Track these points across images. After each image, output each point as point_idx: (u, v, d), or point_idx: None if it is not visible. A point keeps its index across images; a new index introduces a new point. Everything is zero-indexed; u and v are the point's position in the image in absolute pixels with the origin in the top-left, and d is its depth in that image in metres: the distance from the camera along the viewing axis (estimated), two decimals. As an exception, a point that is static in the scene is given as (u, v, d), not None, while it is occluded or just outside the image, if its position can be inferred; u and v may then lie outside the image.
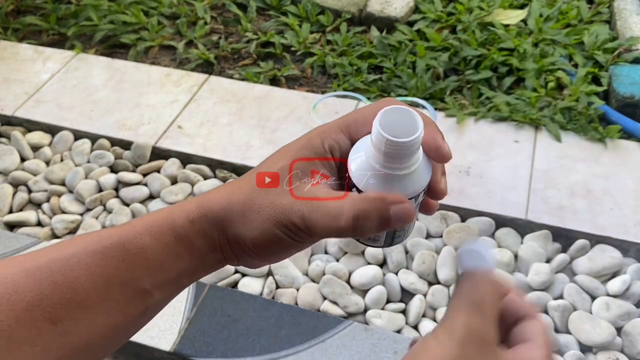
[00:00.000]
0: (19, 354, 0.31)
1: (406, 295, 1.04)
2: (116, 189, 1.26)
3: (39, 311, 0.32)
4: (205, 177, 1.25)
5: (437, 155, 0.35)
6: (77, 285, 0.33)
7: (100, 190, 1.24)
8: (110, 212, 1.20)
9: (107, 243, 0.34)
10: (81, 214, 1.22)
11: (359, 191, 0.35)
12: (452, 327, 0.33)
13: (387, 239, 0.38)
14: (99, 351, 0.35)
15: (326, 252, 1.11)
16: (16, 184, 1.28)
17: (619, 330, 0.96)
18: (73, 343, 0.33)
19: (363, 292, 1.04)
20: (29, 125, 1.41)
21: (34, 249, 1.09)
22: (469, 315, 0.34)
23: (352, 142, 0.36)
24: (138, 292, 0.35)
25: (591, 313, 0.99)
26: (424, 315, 1.01)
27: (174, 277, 0.36)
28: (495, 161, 1.22)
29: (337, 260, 1.09)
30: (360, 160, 0.34)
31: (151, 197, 1.24)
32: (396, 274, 1.05)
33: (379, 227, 0.34)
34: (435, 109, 1.30)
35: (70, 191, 1.25)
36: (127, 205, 1.21)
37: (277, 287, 1.06)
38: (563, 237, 1.09)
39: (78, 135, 1.37)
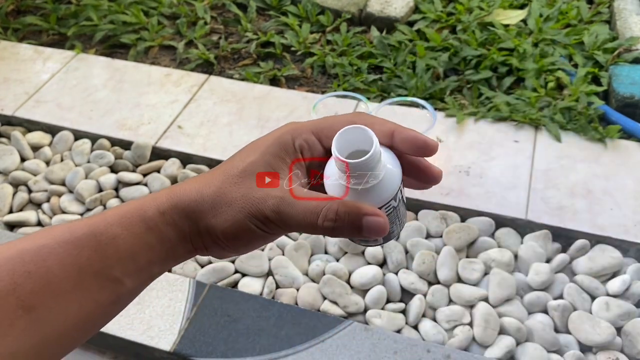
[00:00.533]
0: None
1: (406, 295, 1.04)
2: (116, 189, 1.26)
3: (13, 299, 0.32)
4: (205, 177, 1.25)
5: (427, 149, 0.37)
6: (50, 274, 0.34)
7: (101, 190, 1.24)
8: (110, 212, 1.20)
9: (79, 233, 0.35)
10: (81, 214, 1.22)
11: None
12: None
13: (384, 238, 0.39)
14: (71, 341, 0.36)
15: (326, 252, 1.11)
16: (16, 184, 1.28)
17: (618, 330, 0.96)
18: (46, 331, 0.33)
19: (363, 292, 1.04)
20: (29, 125, 1.41)
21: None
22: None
23: (322, 146, 0.38)
24: (110, 281, 0.35)
25: (591, 313, 0.99)
26: (424, 315, 1.01)
27: (145, 266, 0.37)
28: (495, 161, 1.22)
29: (337, 260, 1.09)
30: (333, 179, 0.36)
31: (151, 197, 1.24)
32: (396, 274, 1.05)
33: (350, 234, 0.35)
34: (435, 109, 1.30)
35: (71, 191, 1.25)
36: (127, 205, 1.21)
37: (277, 287, 1.06)
38: (563, 237, 1.09)
39: (78, 135, 1.37)
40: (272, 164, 0.37)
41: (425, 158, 0.39)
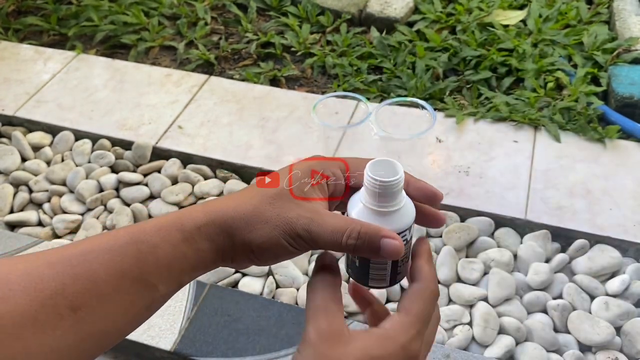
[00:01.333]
0: (42, 336, 0.36)
1: (406, 294, 1.04)
2: (117, 189, 1.26)
3: (61, 299, 0.36)
4: (206, 177, 1.26)
5: (435, 198, 0.45)
6: (95, 277, 0.38)
7: (101, 190, 1.25)
8: (111, 212, 1.20)
9: (121, 242, 0.39)
10: (82, 214, 1.22)
11: None
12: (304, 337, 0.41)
13: (391, 279, 0.45)
14: (109, 341, 0.40)
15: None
16: (17, 184, 1.28)
17: (618, 329, 0.96)
18: (89, 329, 0.37)
19: None
20: (30, 126, 1.42)
21: (35, 248, 1.10)
22: (311, 322, 0.41)
23: (345, 183, 0.46)
24: (147, 287, 0.40)
25: (590, 313, 0.99)
26: (423, 315, 1.01)
27: (177, 275, 0.41)
28: (495, 161, 1.22)
29: (337, 260, 1.09)
30: (358, 207, 0.43)
31: (152, 197, 1.24)
32: (396, 273, 1.06)
33: (369, 254, 0.42)
34: (435, 109, 1.31)
35: (71, 191, 1.26)
36: (128, 205, 1.21)
37: (277, 286, 1.06)
38: (562, 237, 1.09)
39: (79, 135, 1.37)
40: (303, 188, 0.43)
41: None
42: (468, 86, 1.43)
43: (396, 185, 0.41)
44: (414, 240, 0.46)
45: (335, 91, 1.42)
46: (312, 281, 0.44)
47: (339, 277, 0.44)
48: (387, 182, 0.41)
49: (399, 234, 0.42)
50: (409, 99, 1.12)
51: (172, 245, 0.40)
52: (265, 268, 1.07)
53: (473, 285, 1.04)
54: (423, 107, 1.08)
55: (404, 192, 0.43)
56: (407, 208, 0.43)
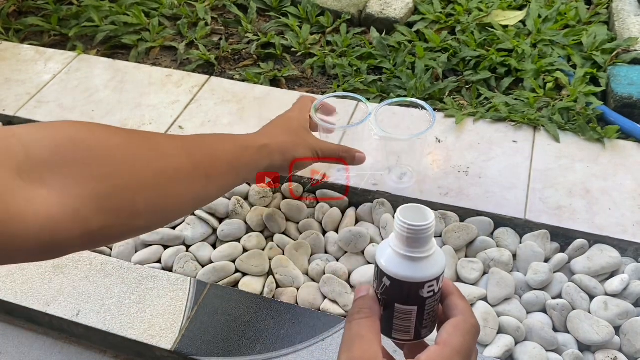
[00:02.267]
0: (192, 186, 0.61)
1: (406, 294, 1.05)
2: (117, 189, 1.26)
3: (202, 169, 0.63)
4: (206, 177, 1.26)
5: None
6: (216, 158, 0.66)
7: (102, 190, 1.25)
8: (111, 212, 1.21)
9: (232, 153, 0.73)
10: (82, 214, 1.22)
11: (389, 279, 0.44)
12: None
13: (416, 332, 0.45)
14: (218, 195, 0.71)
15: (326, 252, 1.12)
16: (18, 184, 1.29)
17: (617, 329, 0.97)
18: (210, 192, 0.66)
19: None
20: (31, 126, 1.42)
21: (35, 248, 1.10)
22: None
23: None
24: (236, 174, 0.72)
25: (589, 312, 0.99)
26: (423, 314, 1.02)
27: (253, 170, 0.78)
28: (494, 161, 1.23)
29: (337, 260, 1.10)
30: (387, 252, 0.44)
31: (152, 197, 1.24)
32: (396, 273, 1.06)
33: (350, 162, 0.90)
34: (435, 109, 1.31)
35: (72, 191, 1.26)
36: (128, 205, 1.22)
37: (277, 286, 1.06)
38: (561, 237, 1.09)
39: (79, 135, 1.37)
40: (307, 128, 0.90)
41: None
42: (467, 86, 1.43)
43: (427, 230, 0.41)
44: None
45: (335, 91, 1.43)
46: (350, 313, 0.44)
47: (378, 307, 0.44)
48: (417, 227, 0.41)
49: (428, 282, 0.42)
50: (408, 99, 1.12)
51: (254, 153, 0.76)
52: (266, 268, 1.07)
53: (472, 284, 1.05)
54: (423, 108, 1.08)
55: (434, 240, 0.43)
56: (437, 255, 0.43)
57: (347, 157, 0.89)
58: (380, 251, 0.44)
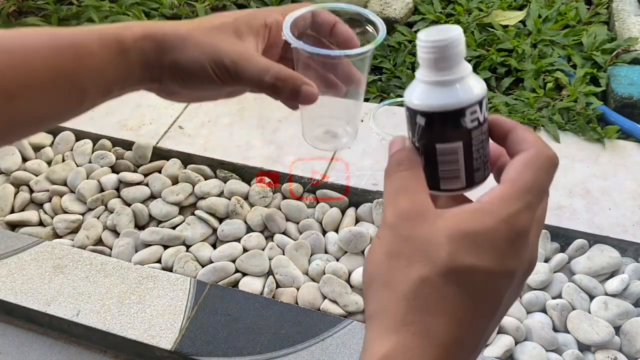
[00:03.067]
0: None
1: (406, 294, 1.05)
2: (117, 189, 1.26)
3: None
4: (206, 177, 1.26)
5: (351, 41, 0.47)
6: (32, 71, 0.39)
7: (102, 190, 1.25)
8: (111, 212, 1.21)
9: (63, 42, 0.41)
10: (83, 214, 1.23)
11: (423, 115, 0.36)
12: (383, 220, 0.35)
13: (467, 176, 0.37)
14: (38, 127, 0.43)
15: (326, 252, 1.12)
16: (18, 184, 1.29)
17: (617, 329, 0.97)
18: (23, 117, 0.40)
19: (363, 291, 1.05)
20: (31, 126, 1.42)
21: (35, 248, 1.10)
22: (386, 209, 0.35)
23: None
24: (79, 88, 0.42)
25: (590, 312, 0.99)
26: (423, 314, 1.02)
27: (108, 84, 0.43)
28: (494, 161, 1.22)
29: (337, 260, 1.10)
30: (415, 88, 0.36)
31: (152, 197, 1.24)
32: (396, 273, 1.06)
33: (289, 97, 0.43)
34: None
35: (72, 191, 1.26)
36: (129, 205, 1.22)
37: (278, 286, 1.06)
38: (562, 237, 1.09)
39: (79, 135, 1.37)
40: (240, 28, 0.44)
41: None
42: (468, 86, 1.43)
43: (455, 44, 0.34)
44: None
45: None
46: (388, 167, 0.37)
47: (418, 158, 0.37)
48: (443, 42, 0.34)
49: (468, 107, 0.34)
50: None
51: (108, 54, 0.41)
52: (266, 268, 1.07)
53: (472, 284, 1.04)
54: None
55: (466, 62, 0.35)
56: (474, 77, 0.35)
57: (282, 88, 0.43)
58: (409, 91, 0.37)
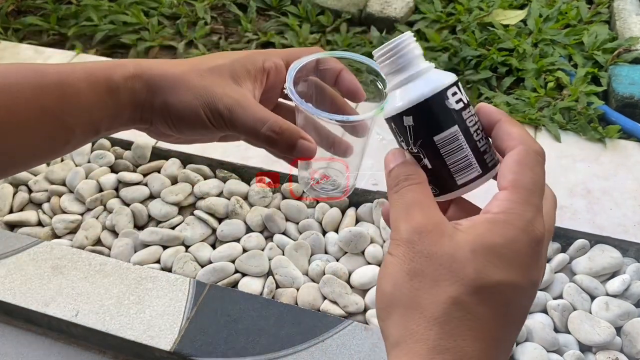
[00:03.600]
0: None
1: (406, 295, 1.04)
2: (116, 189, 1.26)
3: None
4: (206, 177, 1.26)
5: (357, 93, 0.47)
6: (15, 109, 0.38)
7: (101, 190, 1.25)
8: (110, 212, 1.20)
9: (49, 81, 0.39)
10: (81, 214, 1.22)
11: (408, 113, 0.36)
12: (394, 237, 0.34)
13: (478, 160, 0.36)
14: (26, 165, 0.42)
15: (326, 252, 1.12)
16: (17, 184, 1.28)
17: (618, 329, 0.96)
18: (6, 157, 0.39)
19: (363, 291, 1.04)
20: (30, 126, 1.42)
21: (34, 248, 1.10)
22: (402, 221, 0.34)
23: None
24: (65, 127, 0.40)
25: (590, 313, 0.99)
26: (423, 315, 1.01)
27: (96, 122, 0.41)
28: (495, 161, 1.22)
29: (337, 260, 1.10)
30: (391, 98, 0.37)
31: (151, 197, 1.24)
32: (396, 273, 1.06)
33: (284, 150, 0.41)
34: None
35: (71, 191, 1.26)
36: (128, 205, 1.21)
37: (277, 286, 1.06)
38: (562, 237, 1.09)
39: (78, 135, 1.37)
40: (237, 72, 0.42)
41: None
42: (468, 86, 1.43)
43: (406, 42, 0.35)
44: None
45: (335, 91, 1.42)
46: (392, 181, 0.36)
47: (423, 172, 0.36)
48: (395, 43, 0.35)
49: (446, 89, 0.35)
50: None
51: (96, 93, 0.40)
52: (265, 268, 1.07)
53: (473, 285, 1.04)
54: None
55: (424, 59, 0.37)
56: (437, 71, 0.36)
57: (277, 141, 0.41)
58: (387, 108, 0.37)
